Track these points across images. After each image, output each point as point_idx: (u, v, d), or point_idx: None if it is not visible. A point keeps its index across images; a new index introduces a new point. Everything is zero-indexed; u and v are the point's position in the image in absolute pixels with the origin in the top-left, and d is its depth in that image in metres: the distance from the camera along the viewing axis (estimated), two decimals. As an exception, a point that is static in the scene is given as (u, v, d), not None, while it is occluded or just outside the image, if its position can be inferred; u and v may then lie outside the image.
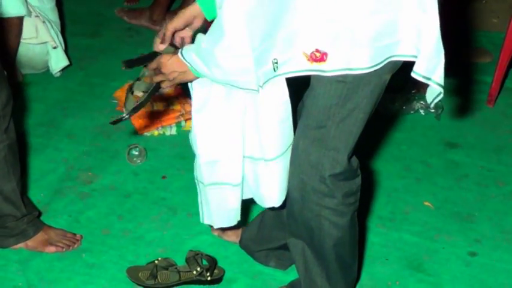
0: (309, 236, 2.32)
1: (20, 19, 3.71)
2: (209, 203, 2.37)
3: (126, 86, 3.78)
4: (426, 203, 3.17)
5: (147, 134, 3.57)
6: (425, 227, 3.03)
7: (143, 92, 2.20)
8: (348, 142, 2.12)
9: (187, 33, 2.21)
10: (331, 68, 1.92)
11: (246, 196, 2.38)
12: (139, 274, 2.67)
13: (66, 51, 4.06)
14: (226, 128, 2.17)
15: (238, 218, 2.42)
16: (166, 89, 2.11)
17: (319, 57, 1.91)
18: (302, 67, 1.94)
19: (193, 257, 2.67)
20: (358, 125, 2.09)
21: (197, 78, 2.09)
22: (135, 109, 2.20)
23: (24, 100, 3.79)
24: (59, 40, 3.95)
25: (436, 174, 3.39)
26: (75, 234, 2.86)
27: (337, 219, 2.24)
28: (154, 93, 2.23)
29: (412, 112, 3.82)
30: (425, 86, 3.82)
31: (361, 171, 2.26)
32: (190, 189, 3.14)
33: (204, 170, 2.29)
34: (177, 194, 3.15)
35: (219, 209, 2.38)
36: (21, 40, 3.77)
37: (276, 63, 1.93)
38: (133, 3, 5.06)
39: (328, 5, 1.85)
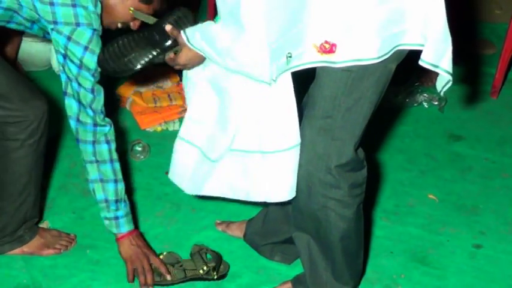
0: (314, 228, 2.32)
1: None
2: (174, 155, 2.44)
3: (128, 82, 3.78)
4: (430, 196, 3.17)
5: (150, 129, 3.57)
6: (429, 220, 3.03)
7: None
8: (354, 132, 2.11)
9: None
10: (340, 59, 1.93)
11: (219, 191, 2.36)
12: None
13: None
14: (221, 106, 2.19)
15: (201, 191, 2.39)
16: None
17: (328, 48, 1.91)
18: (313, 59, 1.94)
19: (198, 253, 2.67)
20: (365, 115, 2.09)
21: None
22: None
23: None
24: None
25: (440, 166, 3.38)
26: (69, 234, 2.85)
27: (343, 211, 2.23)
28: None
29: (415, 105, 3.82)
30: (429, 78, 3.83)
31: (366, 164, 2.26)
32: (194, 184, 3.15)
33: (185, 123, 2.34)
34: (180, 189, 3.14)
35: (179, 166, 2.44)
36: (23, 38, 3.77)
37: (290, 56, 1.94)
38: None
39: None
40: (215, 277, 2.65)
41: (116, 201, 2.54)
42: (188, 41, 2.07)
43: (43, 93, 2.58)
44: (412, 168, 3.36)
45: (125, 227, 2.60)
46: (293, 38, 1.91)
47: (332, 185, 2.18)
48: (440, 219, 3.03)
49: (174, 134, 3.49)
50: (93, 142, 2.43)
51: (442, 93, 2.08)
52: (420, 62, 1.95)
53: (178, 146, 2.41)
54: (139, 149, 3.36)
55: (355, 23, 1.88)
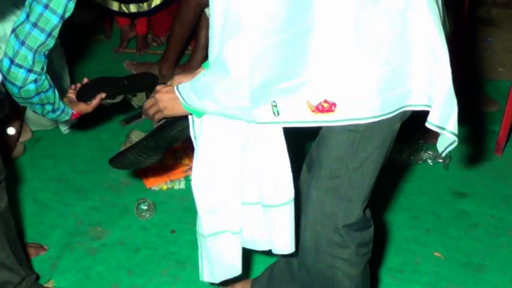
0: (321, 287, 2.31)
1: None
2: (210, 256, 2.36)
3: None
4: (436, 254, 3.15)
5: (155, 188, 3.58)
6: (435, 278, 3.01)
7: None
8: (361, 192, 2.12)
9: None
10: (339, 118, 1.92)
11: (245, 245, 2.37)
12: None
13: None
14: (223, 174, 2.19)
15: (240, 270, 2.40)
16: (155, 124, 2.25)
17: (327, 108, 1.91)
18: (306, 118, 1.93)
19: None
20: (371, 175, 2.10)
21: (185, 112, 2.14)
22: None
23: (33, 156, 3.82)
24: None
25: (446, 224, 3.37)
26: None
27: (351, 270, 2.23)
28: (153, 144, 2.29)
29: (420, 162, 3.82)
30: (433, 136, 3.84)
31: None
32: (199, 243, 3.14)
33: (204, 220, 2.29)
34: (186, 248, 3.14)
35: (219, 261, 2.37)
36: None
37: (275, 106, 1.93)
38: (143, 51, 5.18)
39: (340, 57, 1.86)
40: None
41: (53, 110, 2.41)
42: (177, 89, 2.11)
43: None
44: (418, 226, 3.35)
45: (70, 109, 2.50)
46: (284, 92, 1.90)
47: (339, 244, 2.17)
48: (446, 277, 3.01)
49: (179, 193, 3.54)
50: (20, 87, 2.24)
51: (443, 154, 2.08)
52: (427, 124, 1.95)
53: (211, 244, 2.36)
54: (145, 207, 3.37)
55: (356, 83, 1.88)
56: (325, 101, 1.90)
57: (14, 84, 2.20)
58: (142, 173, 3.61)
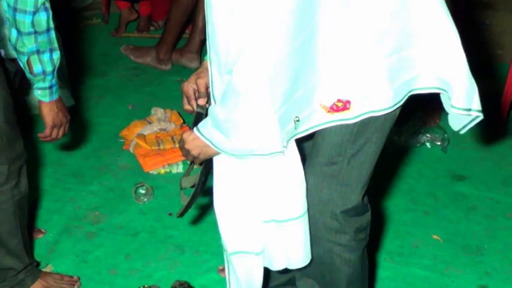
0: (320, 273, 2.30)
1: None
2: (236, 272, 2.28)
3: (132, 125, 3.80)
4: (435, 236, 3.15)
5: (153, 172, 3.58)
6: (434, 261, 3.01)
7: (191, 186, 2.24)
8: (360, 177, 2.10)
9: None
10: (355, 114, 1.90)
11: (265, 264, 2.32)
12: None
13: (72, 91, 4.08)
14: (242, 195, 2.11)
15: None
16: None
17: (341, 106, 1.89)
18: (323, 120, 1.91)
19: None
20: (370, 159, 2.08)
21: (219, 153, 2.01)
22: (189, 204, 2.22)
23: (31, 141, 3.80)
24: (65, 80, 3.97)
25: (444, 207, 3.37)
26: (72, 277, 2.83)
27: (349, 256, 2.22)
28: (202, 182, 2.22)
29: (418, 145, 3.82)
30: (431, 119, 3.83)
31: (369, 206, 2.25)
32: (197, 226, 3.15)
33: (226, 239, 2.22)
34: (184, 231, 3.14)
35: (247, 278, 2.29)
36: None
37: (298, 120, 1.90)
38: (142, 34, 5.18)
39: (346, 55, 1.84)
40: None
41: (53, 71, 2.41)
42: (198, 130, 1.97)
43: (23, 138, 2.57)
44: (416, 209, 3.35)
45: (57, 93, 2.48)
46: (299, 101, 1.87)
47: (337, 230, 2.16)
48: (444, 260, 3.02)
49: (177, 177, 3.53)
50: (33, 13, 2.23)
51: (463, 131, 2.05)
52: (453, 110, 1.93)
53: (237, 261, 2.25)
54: (143, 191, 3.37)
55: (366, 77, 1.86)
56: (339, 100, 1.89)
57: (25, 12, 2.19)
58: (140, 157, 3.60)
